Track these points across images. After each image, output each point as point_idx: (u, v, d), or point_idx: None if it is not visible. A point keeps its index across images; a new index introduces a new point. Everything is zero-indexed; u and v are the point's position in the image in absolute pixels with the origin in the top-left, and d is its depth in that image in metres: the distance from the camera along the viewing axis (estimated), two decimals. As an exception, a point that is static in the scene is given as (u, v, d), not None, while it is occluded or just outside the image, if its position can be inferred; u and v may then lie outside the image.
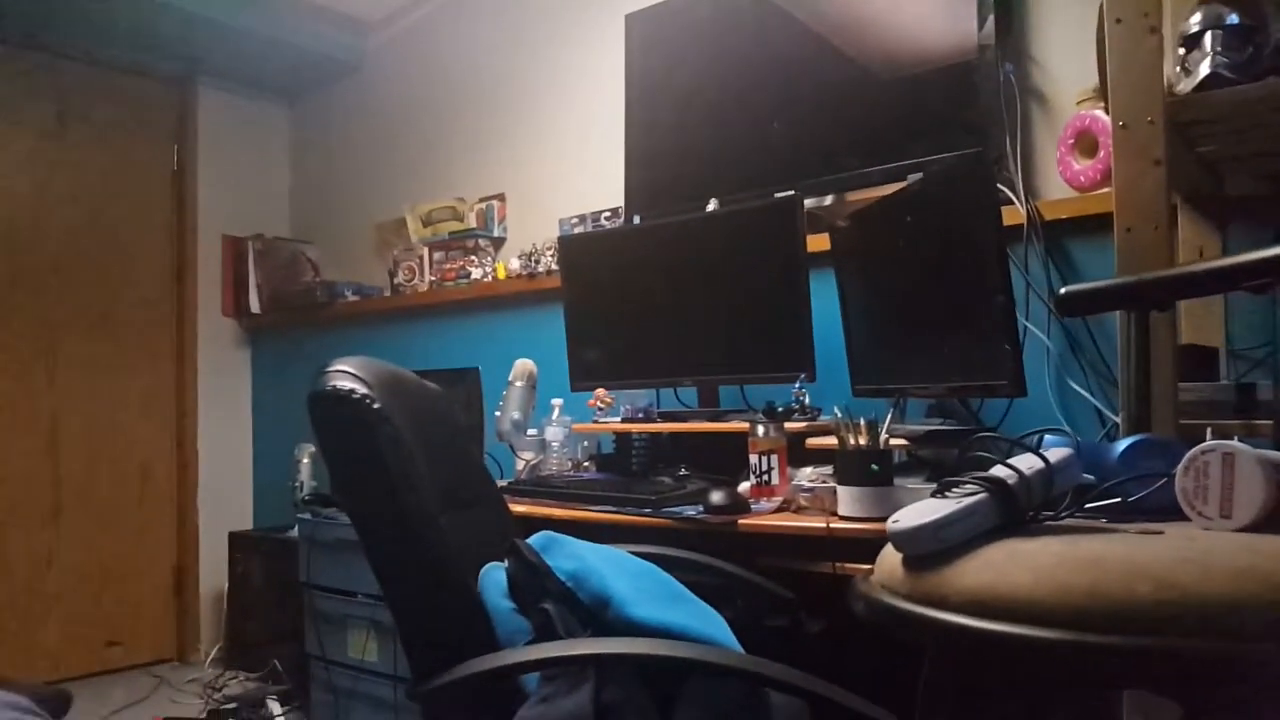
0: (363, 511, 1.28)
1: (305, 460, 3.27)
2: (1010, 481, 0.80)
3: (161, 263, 3.92)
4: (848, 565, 1.62)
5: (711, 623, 1.32)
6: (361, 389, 1.23)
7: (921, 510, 0.81)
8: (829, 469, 1.79)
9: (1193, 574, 0.66)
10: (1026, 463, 0.82)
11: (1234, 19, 1.33)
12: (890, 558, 0.85)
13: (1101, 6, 1.46)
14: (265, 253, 4.01)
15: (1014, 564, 0.73)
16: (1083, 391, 2.00)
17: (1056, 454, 0.83)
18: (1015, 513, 0.81)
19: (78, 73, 3.68)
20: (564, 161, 3.18)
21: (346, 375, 1.24)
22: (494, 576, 1.30)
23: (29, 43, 3.53)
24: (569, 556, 1.31)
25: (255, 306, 3.98)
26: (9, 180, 3.52)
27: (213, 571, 3.84)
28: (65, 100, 3.65)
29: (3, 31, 3.45)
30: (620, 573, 1.30)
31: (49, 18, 3.42)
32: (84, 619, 3.59)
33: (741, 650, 1.27)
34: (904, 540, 0.81)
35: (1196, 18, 1.36)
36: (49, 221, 3.60)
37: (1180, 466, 0.79)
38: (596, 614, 1.25)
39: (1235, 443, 0.77)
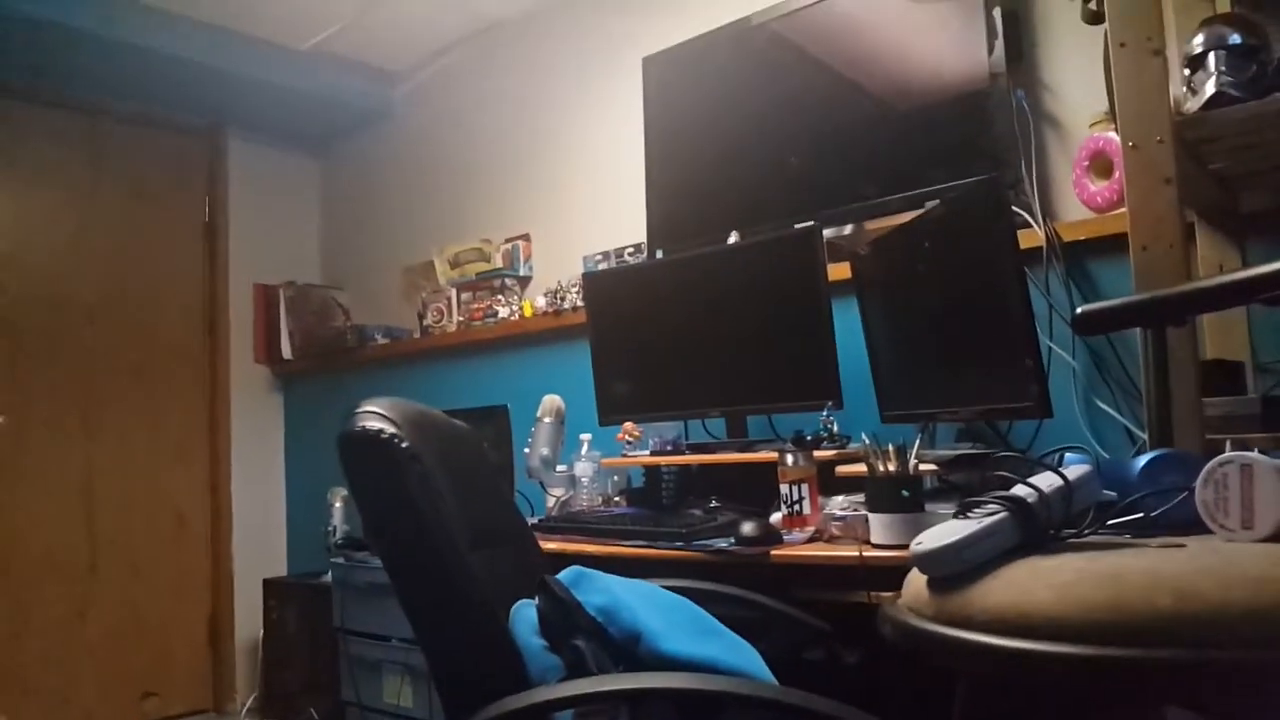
0: (393, 551, 1.29)
1: (338, 504, 3.30)
2: (1030, 500, 0.81)
3: (194, 311, 3.99)
4: (882, 594, 1.61)
5: (744, 655, 1.32)
6: (390, 429, 1.25)
7: (944, 532, 0.81)
8: (860, 497, 1.79)
9: (1213, 585, 0.67)
10: (1046, 481, 0.83)
11: (1236, 39, 1.34)
12: (916, 580, 0.86)
13: (1106, 31, 1.48)
14: (296, 299, 4.07)
15: (1036, 581, 0.74)
16: (1110, 410, 1.99)
17: (1075, 471, 0.84)
18: (1036, 531, 0.81)
19: (110, 127, 3.78)
20: (587, 200, 3.23)
21: (375, 415, 1.26)
22: (524, 613, 1.31)
23: (62, 99, 3.63)
24: (599, 591, 1.32)
25: (287, 352, 4.04)
26: (44, 233, 3.60)
27: (247, 619, 3.87)
28: (98, 154, 3.75)
29: (36, 88, 3.55)
30: (651, 607, 1.31)
31: (81, 74, 3.51)
32: (119, 670, 3.61)
33: (775, 682, 1.26)
34: (927, 562, 0.82)
35: (1199, 39, 1.38)
36: (83, 273, 3.67)
37: (1200, 479, 0.80)
38: (628, 649, 1.25)
39: (1254, 454, 0.77)
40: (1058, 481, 0.82)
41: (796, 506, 1.85)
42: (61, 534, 3.53)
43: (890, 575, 1.56)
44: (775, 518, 1.88)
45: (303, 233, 4.33)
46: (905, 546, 1.55)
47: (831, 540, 1.79)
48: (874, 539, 1.66)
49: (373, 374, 3.83)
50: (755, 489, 2.11)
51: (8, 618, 3.36)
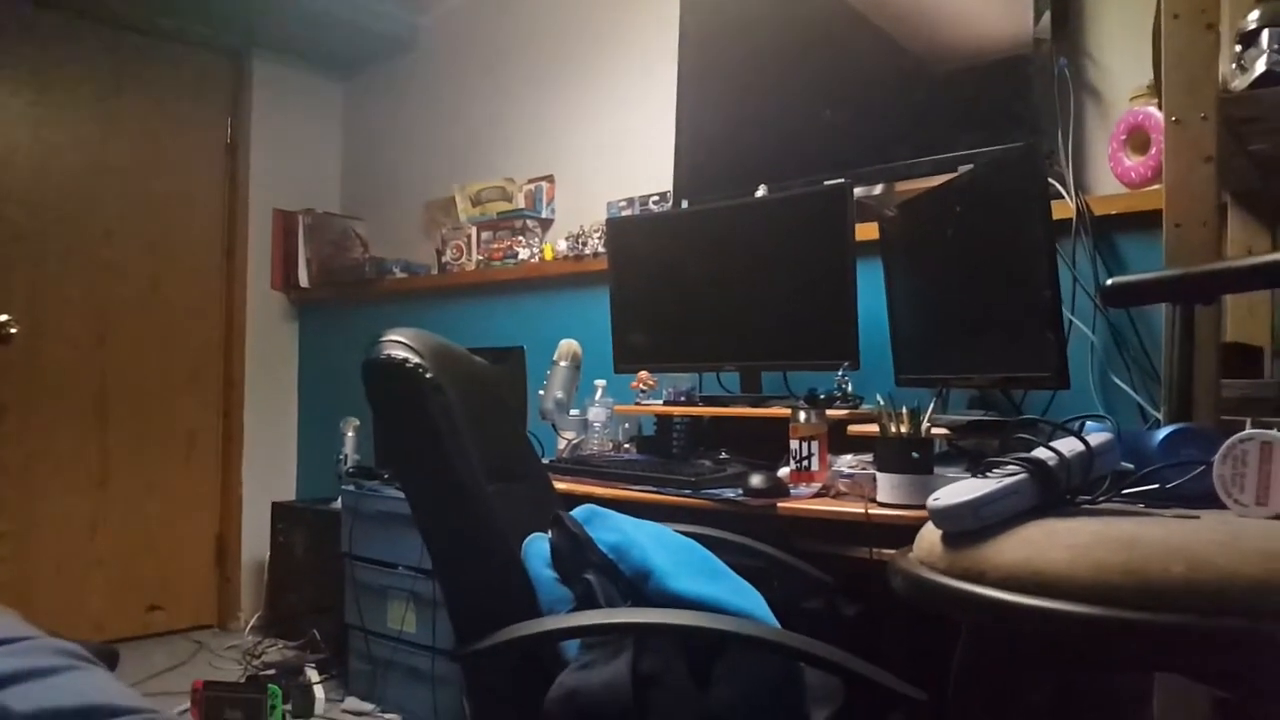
0: (413, 478, 1.31)
1: (350, 433, 3.33)
2: (1050, 463, 0.82)
3: (212, 234, 4.00)
4: (885, 551, 1.64)
5: (750, 598, 1.35)
6: (415, 358, 1.26)
7: (961, 489, 0.83)
8: (869, 456, 1.81)
9: (1226, 556, 0.68)
10: (1067, 445, 0.84)
11: (1293, 17, 1.32)
12: (929, 535, 0.88)
13: (1159, 2, 1.46)
14: (315, 227, 4.07)
15: (1051, 542, 0.75)
16: (1125, 386, 1.99)
17: (1097, 438, 0.85)
18: (1054, 494, 0.82)
19: (134, 43, 3.75)
20: (613, 145, 3.21)
21: (400, 345, 1.27)
22: (537, 546, 1.34)
23: (87, 12, 3.60)
24: (611, 529, 1.35)
25: (304, 281, 4.05)
26: (65, 147, 3.60)
27: (255, 541, 3.93)
28: (121, 70, 3.73)
29: (59, 0, 3.52)
30: (661, 546, 1.33)
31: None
32: (127, 583, 3.68)
33: (779, 626, 1.29)
34: (944, 517, 0.83)
35: (1254, 15, 1.36)
36: (103, 191, 3.67)
37: (1219, 454, 0.81)
38: (637, 585, 1.28)
39: (1274, 432, 0.78)
40: (1079, 447, 0.83)
41: (805, 462, 1.86)
42: (74, 448, 3.58)
43: (894, 533, 1.59)
44: (784, 472, 1.90)
45: (324, 160, 4.31)
46: (911, 506, 1.60)
47: (838, 496, 1.81)
48: (880, 498, 1.68)
49: (389, 307, 3.84)
50: (766, 444, 2.13)
51: (21, 528, 3.43)
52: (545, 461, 2.26)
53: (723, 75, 2.75)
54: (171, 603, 3.81)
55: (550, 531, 1.34)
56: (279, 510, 3.73)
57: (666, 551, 1.32)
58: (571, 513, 1.37)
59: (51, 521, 3.51)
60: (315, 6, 3.66)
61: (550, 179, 3.39)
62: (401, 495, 1.35)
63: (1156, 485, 0.88)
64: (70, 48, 3.60)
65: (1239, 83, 1.37)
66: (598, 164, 3.24)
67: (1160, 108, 1.46)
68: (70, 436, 3.57)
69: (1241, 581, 0.67)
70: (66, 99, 3.60)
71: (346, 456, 3.31)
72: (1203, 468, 0.84)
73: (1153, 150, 1.91)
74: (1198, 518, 0.79)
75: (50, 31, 3.55)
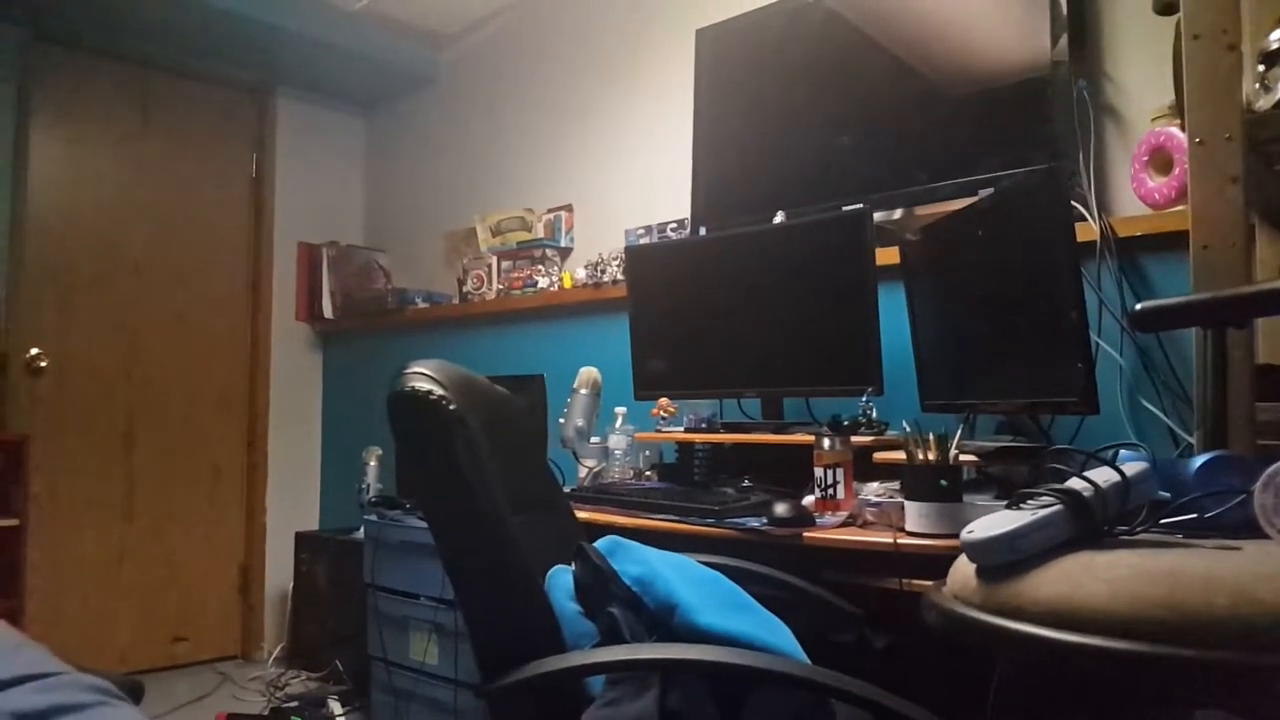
0: (437, 510, 1.31)
1: (372, 463, 3.34)
2: (1086, 494, 0.80)
3: (238, 267, 4.05)
4: (915, 582, 1.61)
5: (778, 633, 1.32)
6: (439, 390, 1.26)
7: (996, 521, 0.81)
8: (896, 484, 1.78)
9: (1272, 588, 0.66)
10: (1102, 476, 0.82)
11: (1318, 36, 1.31)
12: (963, 569, 0.86)
13: (1179, 23, 1.45)
14: (339, 259, 4.12)
15: (1090, 575, 0.73)
16: (1155, 410, 1.97)
17: (1132, 468, 0.83)
18: (1090, 526, 0.81)
19: (162, 81, 3.83)
20: (631, 173, 3.22)
21: (424, 377, 1.27)
22: (561, 579, 1.32)
23: (115, 52, 3.68)
24: (635, 561, 1.33)
25: (328, 312, 4.09)
26: (94, 184, 3.66)
27: (278, 571, 3.94)
28: (149, 108, 3.80)
29: (90, 41, 3.60)
30: (686, 579, 1.31)
31: (135, 28, 3.57)
32: (152, 614, 3.70)
33: (808, 661, 1.27)
34: (978, 551, 0.82)
35: (1276, 34, 1.34)
36: (131, 225, 3.73)
37: (1260, 483, 0.79)
38: (662, 619, 1.26)
39: (1318, 461, 0.76)
40: (1115, 477, 0.81)
41: (830, 490, 1.84)
42: (101, 479, 3.61)
43: (924, 563, 1.57)
44: (808, 500, 1.88)
45: (347, 193, 4.37)
46: (941, 536, 1.57)
47: (865, 526, 1.78)
48: (909, 527, 1.65)
49: (411, 337, 3.86)
50: (788, 471, 2.11)
51: (49, 560, 3.44)
52: (566, 490, 2.25)
53: (739, 102, 2.76)
54: (196, 634, 3.82)
55: (574, 564, 1.33)
56: (302, 540, 3.73)
57: (692, 584, 1.30)
58: (595, 544, 1.36)
59: (79, 553, 3.53)
60: (337, 45, 3.73)
61: (569, 208, 3.41)
62: (423, 525, 1.34)
63: (1194, 515, 0.86)
64: (100, 87, 3.67)
65: (1263, 103, 1.36)
66: (615, 193, 3.26)
67: (1183, 128, 1.45)
68: (97, 468, 3.60)
69: (1289, 616, 0.65)
70: (96, 136, 3.67)
71: (369, 486, 3.31)
72: (1243, 496, 0.82)
73: (1176, 171, 1.90)
74: (1240, 549, 0.77)
75: (81, 71, 3.62)
